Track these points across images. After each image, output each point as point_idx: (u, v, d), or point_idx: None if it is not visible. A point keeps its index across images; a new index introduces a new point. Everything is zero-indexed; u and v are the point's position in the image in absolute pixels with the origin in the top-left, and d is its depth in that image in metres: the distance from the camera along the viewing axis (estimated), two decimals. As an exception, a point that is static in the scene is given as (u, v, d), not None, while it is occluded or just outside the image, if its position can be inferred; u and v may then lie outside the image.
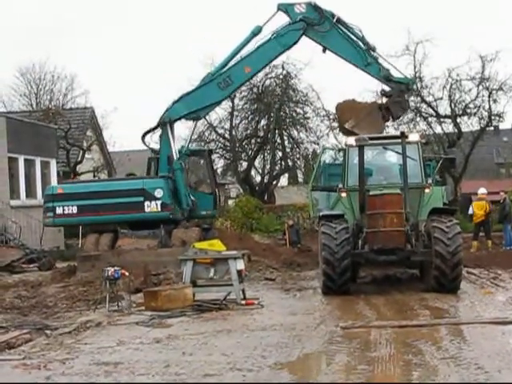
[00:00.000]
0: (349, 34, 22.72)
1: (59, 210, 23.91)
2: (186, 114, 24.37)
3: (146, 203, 23.37)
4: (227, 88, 23.97)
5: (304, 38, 23.35)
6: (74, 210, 23.85)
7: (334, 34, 22.76)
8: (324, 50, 23.11)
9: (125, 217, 23.61)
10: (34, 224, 30.06)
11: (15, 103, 49.21)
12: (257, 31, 23.21)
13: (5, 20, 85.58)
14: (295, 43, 23.49)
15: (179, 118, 24.69)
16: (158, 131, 24.66)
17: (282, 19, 23.30)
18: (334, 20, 22.67)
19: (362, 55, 22.48)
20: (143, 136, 24.77)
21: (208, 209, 25.55)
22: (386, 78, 22.51)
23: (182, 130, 42.96)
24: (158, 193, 23.36)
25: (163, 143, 24.48)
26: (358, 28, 22.67)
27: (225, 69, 23.76)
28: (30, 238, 29.78)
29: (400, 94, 22.13)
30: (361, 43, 22.56)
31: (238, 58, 23.61)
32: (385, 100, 22.79)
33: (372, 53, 22.47)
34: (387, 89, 22.67)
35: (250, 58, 23.49)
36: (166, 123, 24.21)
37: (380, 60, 22.76)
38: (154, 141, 25.00)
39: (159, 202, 23.35)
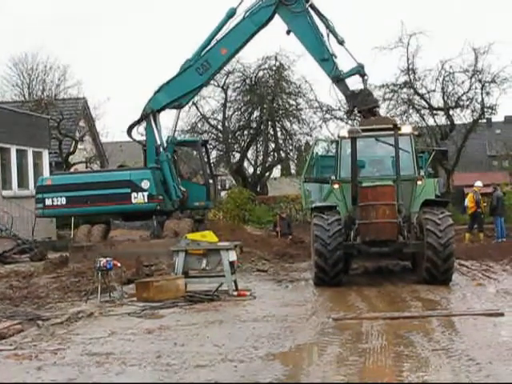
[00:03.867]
0: (320, 21, 22.65)
1: (48, 202, 23.94)
2: (169, 102, 24.34)
3: (133, 194, 23.36)
4: (206, 72, 23.97)
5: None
6: (63, 201, 23.87)
7: (302, 19, 22.70)
8: (288, 32, 23.07)
9: (112, 208, 23.62)
10: (26, 215, 29.99)
11: (7, 93, 49.10)
12: (231, 13, 23.26)
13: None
14: (269, 20, 23.39)
15: (162, 108, 24.63)
16: (144, 123, 24.61)
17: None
18: (308, 5, 22.63)
19: (322, 49, 22.47)
20: (129, 129, 24.73)
21: (201, 200, 25.52)
22: (337, 78, 22.50)
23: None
24: (145, 184, 23.34)
25: (148, 135, 24.46)
26: (330, 20, 22.62)
27: (202, 53, 23.77)
28: (21, 229, 29.70)
29: (352, 96, 22.20)
30: (326, 39, 22.49)
31: (214, 41, 23.66)
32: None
33: (332, 48, 22.48)
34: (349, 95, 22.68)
35: (225, 39, 23.52)
36: (148, 114, 24.21)
37: (344, 55, 22.67)
38: (140, 133, 24.95)
39: (146, 194, 23.33)
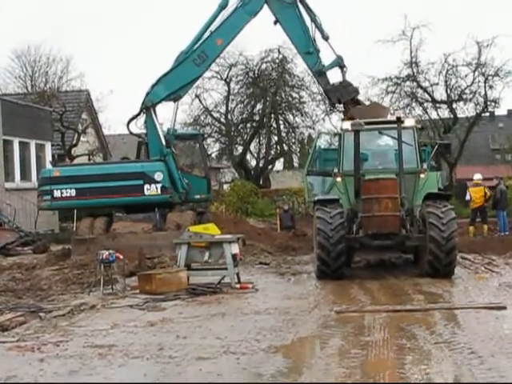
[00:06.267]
0: (307, 16, 23.27)
1: (57, 193, 23.68)
2: (167, 95, 24.36)
3: (146, 186, 23.34)
4: (203, 63, 24.29)
5: None
6: (73, 192, 23.65)
7: (290, 11, 23.32)
8: (275, 23, 23.62)
9: (124, 200, 23.48)
10: (29, 207, 29.99)
11: (10, 85, 49.01)
12: (224, 4, 23.72)
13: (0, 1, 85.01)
14: (260, 10, 23.84)
15: (160, 101, 24.63)
16: (142, 117, 24.54)
17: None
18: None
19: (307, 42, 23.22)
20: (128, 123, 24.63)
21: (202, 192, 25.51)
22: (319, 73, 23.45)
23: (179, 114, 42.94)
24: (158, 176, 23.34)
25: (149, 128, 24.42)
26: (318, 16, 23.35)
27: (197, 45, 23.88)
28: (24, 221, 29.73)
29: (333, 90, 23.04)
30: (312, 33, 23.20)
31: (208, 32, 23.84)
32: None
33: (317, 43, 23.23)
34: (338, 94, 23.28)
35: (221, 29, 23.88)
36: (149, 108, 24.19)
37: (328, 51, 23.47)
38: (138, 126, 24.89)
39: (159, 185, 23.34)
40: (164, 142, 24.11)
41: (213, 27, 23.86)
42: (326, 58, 23.65)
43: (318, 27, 23.13)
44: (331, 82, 23.54)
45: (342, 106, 23.69)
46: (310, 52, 23.30)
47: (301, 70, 43.64)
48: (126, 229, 23.24)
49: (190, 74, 24.29)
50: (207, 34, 23.92)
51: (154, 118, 24.25)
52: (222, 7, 23.60)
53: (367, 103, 25.16)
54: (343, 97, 22.87)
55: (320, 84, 24.00)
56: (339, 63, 23.19)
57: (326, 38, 23.16)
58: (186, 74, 24.17)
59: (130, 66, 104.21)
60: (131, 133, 25.13)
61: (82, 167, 26.64)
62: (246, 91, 44.87)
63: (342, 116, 24.03)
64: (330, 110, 26.00)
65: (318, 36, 23.29)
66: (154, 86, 24.29)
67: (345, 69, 23.23)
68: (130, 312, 13.15)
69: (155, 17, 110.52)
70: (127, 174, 23.59)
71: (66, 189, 23.73)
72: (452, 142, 31.38)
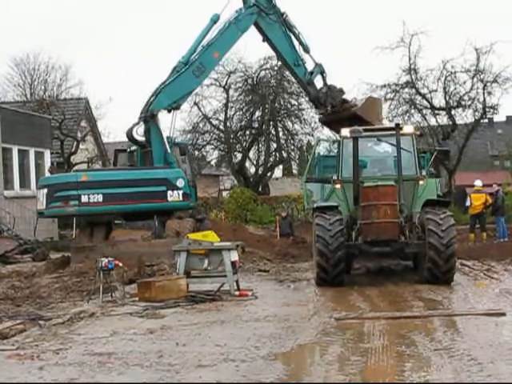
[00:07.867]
0: (289, 32, 24.62)
1: (85, 198, 22.92)
2: (169, 104, 24.43)
3: (169, 192, 23.30)
4: (201, 75, 24.78)
5: None
6: (100, 198, 23.08)
7: (277, 28, 24.66)
8: (263, 40, 24.95)
9: (149, 206, 23.23)
10: (28, 215, 29.99)
11: (9, 93, 49.18)
12: (216, 18, 24.33)
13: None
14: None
15: (161, 109, 24.66)
16: (141, 125, 24.41)
17: (236, 6, 24.63)
18: (282, 18, 24.49)
19: (295, 55, 24.72)
20: (131, 132, 24.36)
21: (191, 201, 25.49)
22: (308, 82, 24.90)
23: (178, 121, 43.04)
24: (180, 183, 23.31)
25: (153, 136, 24.26)
26: (299, 30, 24.68)
27: (195, 56, 24.14)
28: (23, 229, 29.72)
29: (324, 96, 24.40)
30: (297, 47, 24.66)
31: (203, 44, 24.35)
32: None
33: (305, 53, 24.69)
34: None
35: (216, 43, 24.41)
36: (154, 116, 24.18)
37: (310, 61, 24.89)
38: (139, 134, 24.73)
39: (181, 192, 23.32)
40: (169, 150, 24.07)
41: (207, 39, 24.31)
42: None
43: (301, 43, 24.50)
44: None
45: (330, 109, 24.53)
46: (298, 64, 24.73)
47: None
48: (125, 236, 23.17)
49: (189, 85, 24.70)
50: (202, 45, 24.30)
51: (159, 125, 24.29)
52: (214, 21, 24.33)
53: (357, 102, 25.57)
54: (334, 100, 24.30)
55: (309, 93, 25.18)
56: (321, 70, 24.71)
57: (307, 50, 24.59)
58: (187, 85, 24.51)
59: (129, 74, 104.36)
60: (134, 141, 24.82)
61: (108, 172, 25.97)
62: (245, 98, 44.97)
63: (321, 117, 25.87)
64: (321, 114, 26.15)
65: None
66: (157, 94, 24.30)
67: (324, 74, 24.82)
68: (129, 319, 13.14)
69: (154, 26, 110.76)
70: (151, 180, 23.44)
71: (93, 194, 23.16)
72: (451, 149, 31.50)
